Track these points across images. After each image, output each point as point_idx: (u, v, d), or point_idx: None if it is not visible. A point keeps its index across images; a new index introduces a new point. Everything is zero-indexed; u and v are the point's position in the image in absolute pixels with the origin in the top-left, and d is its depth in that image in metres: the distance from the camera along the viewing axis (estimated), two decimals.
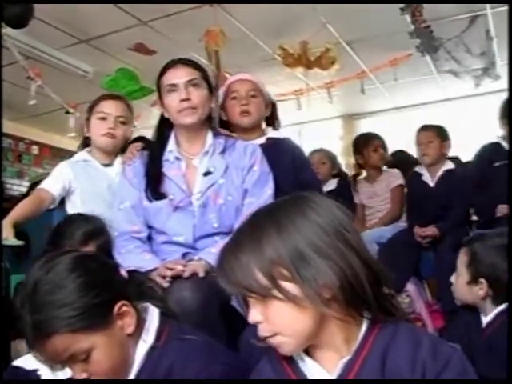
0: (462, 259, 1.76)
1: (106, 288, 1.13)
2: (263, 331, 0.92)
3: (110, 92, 2.35)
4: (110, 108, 2.24)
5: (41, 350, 1.07)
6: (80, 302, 1.06)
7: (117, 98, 2.31)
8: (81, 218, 1.93)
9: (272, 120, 2.43)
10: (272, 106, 2.42)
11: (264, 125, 2.41)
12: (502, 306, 1.65)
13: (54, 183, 2.20)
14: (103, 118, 2.22)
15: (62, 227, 1.91)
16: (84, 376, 1.07)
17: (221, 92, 2.40)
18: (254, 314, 0.92)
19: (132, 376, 1.12)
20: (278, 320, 0.91)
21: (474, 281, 1.71)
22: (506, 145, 2.98)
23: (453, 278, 1.81)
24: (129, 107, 2.33)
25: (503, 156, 2.90)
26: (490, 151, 3.06)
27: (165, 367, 1.10)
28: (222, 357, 1.16)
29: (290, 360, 0.97)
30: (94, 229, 1.83)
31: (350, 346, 0.93)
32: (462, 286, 1.75)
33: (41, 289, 1.06)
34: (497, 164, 2.95)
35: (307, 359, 0.96)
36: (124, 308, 1.13)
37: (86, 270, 1.12)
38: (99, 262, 1.19)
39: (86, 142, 2.34)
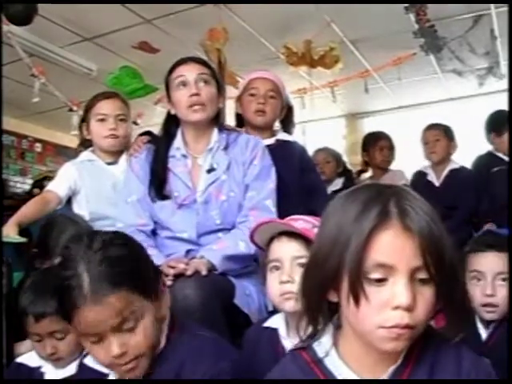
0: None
1: (152, 262, 1.19)
2: (408, 319, 0.81)
3: (103, 91, 2.31)
4: (107, 108, 2.23)
5: (94, 313, 1.02)
6: (136, 265, 1.09)
7: (112, 97, 2.29)
8: (65, 221, 1.93)
9: (287, 123, 2.43)
10: (288, 110, 2.42)
11: (279, 125, 2.41)
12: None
13: (59, 184, 2.21)
14: (102, 120, 2.21)
15: (46, 231, 1.91)
16: (123, 349, 1.05)
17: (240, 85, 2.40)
18: (411, 298, 0.81)
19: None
20: (429, 308, 0.84)
21: None
22: (499, 154, 3.18)
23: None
24: (125, 103, 2.32)
25: (499, 162, 3.13)
26: (486, 160, 3.25)
27: (177, 362, 1.11)
28: (231, 353, 1.17)
29: (321, 365, 0.90)
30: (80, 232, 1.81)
31: (399, 354, 0.87)
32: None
33: (95, 251, 1.06)
34: (495, 169, 3.13)
35: (341, 365, 0.89)
36: (164, 288, 1.17)
37: (133, 243, 1.17)
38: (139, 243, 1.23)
39: (86, 144, 2.34)
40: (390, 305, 0.80)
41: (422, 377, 0.86)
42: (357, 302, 0.82)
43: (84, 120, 2.30)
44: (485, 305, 1.61)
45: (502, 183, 2.86)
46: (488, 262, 1.63)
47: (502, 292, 1.60)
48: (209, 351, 1.12)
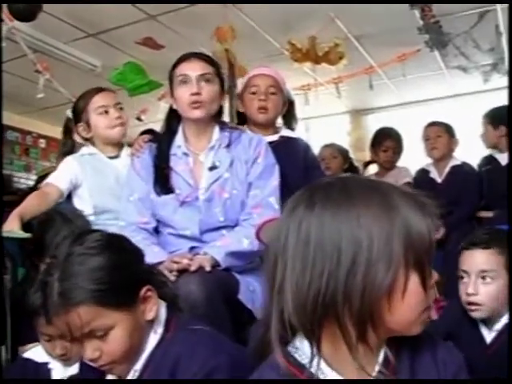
0: (500, 260, 1.57)
1: (135, 269, 1.15)
2: None
3: (88, 89, 2.29)
4: (105, 100, 2.22)
5: (62, 321, 1.05)
6: (110, 277, 1.07)
7: (103, 89, 2.28)
8: (60, 218, 1.92)
9: (289, 118, 2.42)
10: (289, 104, 2.41)
11: (281, 122, 2.41)
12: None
13: (61, 177, 2.17)
14: (106, 111, 2.20)
15: (44, 228, 1.90)
16: (96, 355, 1.07)
17: (239, 82, 2.40)
18: None
19: (140, 364, 1.13)
20: None
21: None
22: (497, 155, 3.24)
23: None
24: (114, 93, 2.34)
25: (488, 162, 3.25)
26: (482, 160, 3.36)
27: (173, 356, 1.11)
28: (228, 347, 1.17)
29: (307, 373, 0.82)
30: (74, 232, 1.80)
31: (376, 355, 0.86)
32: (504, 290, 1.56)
33: (73, 259, 1.07)
34: (483, 169, 3.26)
35: (330, 372, 0.83)
36: (149, 293, 1.15)
37: (118, 249, 1.14)
38: (130, 245, 1.21)
39: (69, 150, 2.31)
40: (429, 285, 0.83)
41: (406, 367, 0.86)
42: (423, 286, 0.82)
43: (78, 121, 2.26)
44: (469, 303, 1.58)
45: (486, 182, 3.11)
46: (472, 261, 1.59)
47: (484, 290, 1.55)
48: (205, 344, 1.12)
